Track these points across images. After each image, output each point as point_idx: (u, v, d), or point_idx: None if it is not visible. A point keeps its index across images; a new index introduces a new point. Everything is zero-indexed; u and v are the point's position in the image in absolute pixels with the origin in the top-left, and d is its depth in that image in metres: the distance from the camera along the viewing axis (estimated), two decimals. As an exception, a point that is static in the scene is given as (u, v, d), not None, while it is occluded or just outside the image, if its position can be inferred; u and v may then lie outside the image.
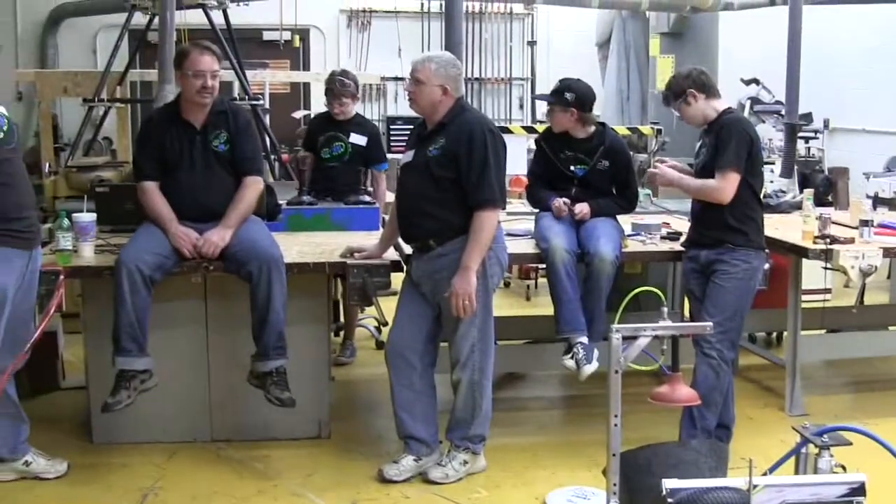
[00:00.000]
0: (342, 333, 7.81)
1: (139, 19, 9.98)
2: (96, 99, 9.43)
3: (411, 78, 5.24)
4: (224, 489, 5.27)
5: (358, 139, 7.38)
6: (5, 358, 4.86)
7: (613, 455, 3.71)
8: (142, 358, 5.24)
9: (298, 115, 12.79)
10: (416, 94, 5.23)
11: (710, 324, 4.12)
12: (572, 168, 6.06)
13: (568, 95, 5.94)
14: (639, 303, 4.25)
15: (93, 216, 5.66)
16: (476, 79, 14.56)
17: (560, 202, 5.98)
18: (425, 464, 5.38)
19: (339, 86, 7.33)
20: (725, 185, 5.35)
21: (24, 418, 5.31)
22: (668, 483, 3.31)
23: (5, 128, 4.79)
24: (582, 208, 5.95)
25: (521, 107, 14.96)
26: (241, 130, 5.54)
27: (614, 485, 3.72)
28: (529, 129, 10.25)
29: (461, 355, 5.25)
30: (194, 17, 9.44)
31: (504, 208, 5.27)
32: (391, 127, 13.08)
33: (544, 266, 6.03)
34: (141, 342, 5.22)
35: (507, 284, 10.02)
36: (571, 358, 5.73)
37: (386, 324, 5.52)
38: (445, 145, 5.13)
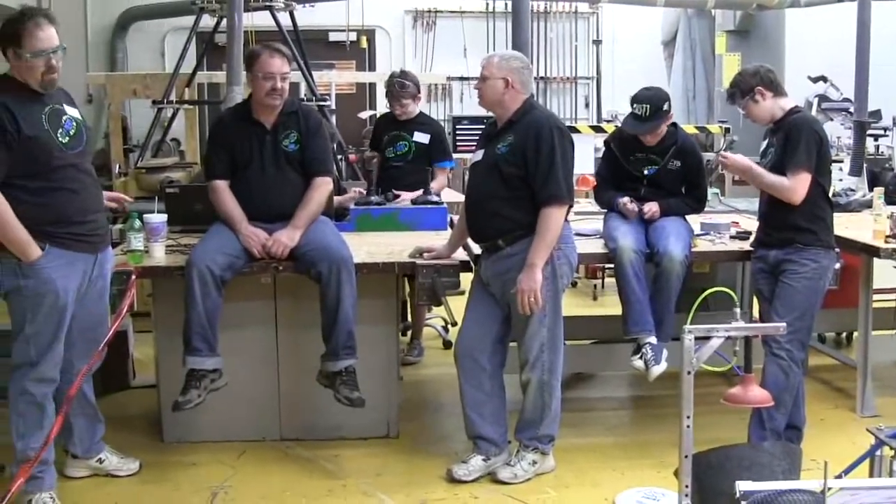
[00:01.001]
0: (409, 333, 7.82)
1: (207, 22, 10.06)
2: (165, 101, 9.51)
3: (480, 76, 5.27)
4: (293, 488, 5.30)
5: (421, 137, 7.42)
6: (81, 359, 4.93)
7: (686, 457, 3.68)
8: (212, 357, 5.29)
9: (364, 115, 12.84)
10: (481, 90, 5.27)
11: (784, 324, 4.07)
12: (644, 170, 6.04)
13: (665, 106, 5.93)
14: (707, 302, 4.22)
15: (163, 217, 5.70)
16: (541, 78, 14.53)
17: (625, 200, 5.97)
18: (494, 464, 5.38)
19: (398, 87, 7.40)
20: (797, 185, 5.29)
21: (100, 418, 5.39)
22: (742, 485, 3.29)
23: (72, 132, 4.79)
24: (651, 207, 5.92)
25: (587, 105, 14.90)
26: (312, 131, 5.57)
27: (686, 486, 3.69)
28: (597, 129, 10.23)
29: (530, 355, 5.23)
30: (261, 20, 9.48)
31: (571, 205, 5.25)
32: (457, 127, 13.10)
33: (611, 266, 6.00)
34: (211, 342, 5.26)
35: (573, 284, 9.95)
36: (640, 358, 5.71)
37: (455, 324, 5.52)
38: (513, 142, 5.13)
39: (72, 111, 4.88)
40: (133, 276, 5.20)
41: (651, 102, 5.93)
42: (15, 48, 4.61)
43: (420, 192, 7.04)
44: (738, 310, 3.83)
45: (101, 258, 5.01)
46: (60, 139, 4.72)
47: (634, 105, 5.99)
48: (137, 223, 5.53)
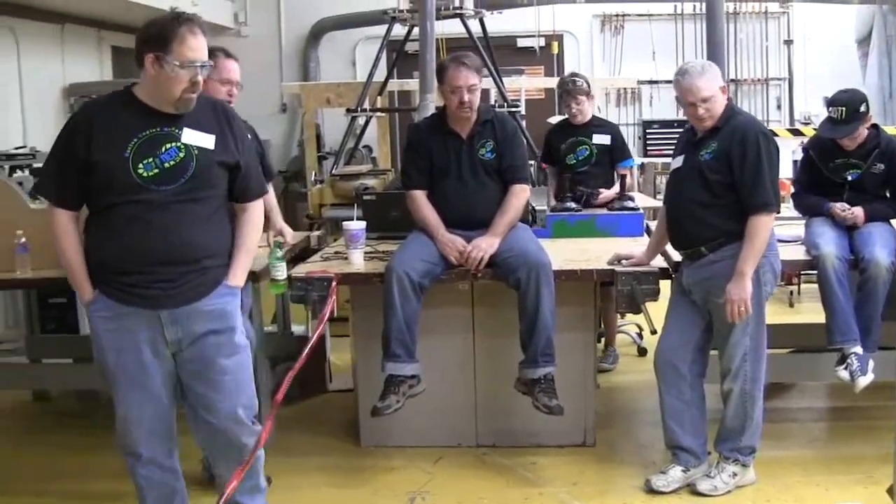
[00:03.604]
0: (603, 340, 7.77)
1: (398, 30, 10.15)
2: (358, 109, 9.64)
3: (700, 99, 5.04)
4: (490, 495, 5.31)
5: (601, 139, 7.43)
6: (215, 454, 4.45)
7: (903, 472, 3.57)
8: (410, 364, 5.32)
9: (554, 120, 12.83)
10: (711, 110, 5.06)
11: None
12: (847, 175, 5.84)
13: (863, 108, 5.72)
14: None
15: (362, 224, 5.76)
16: (732, 80, 14.27)
17: (839, 206, 5.79)
18: (693, 475, 5.29)
19: (572, 85, 7.40)
20: None
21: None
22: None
23: (169, 164, 4.01)
24: (856, 213, 5.74)
25: (779, 107, 14.58)
26: (508, 139, 5.57)
27: (903, 503, 3.58)
28: (794, 132, 10.00)
29: (733, 364, 5.13)
30: (452, 27, 9.54)
31: (779, 212, 5.14)
32: (647, 131, 13.02)
33: (809, 272, 5.84)
34: (410, 348, 5.29)
35: (768, 291, 9.78)
36: (845, 369, 5.52)
37: (655, 331, 5.45)
38: (718, 149, 5.04)
39: (193, 137, 4.07)
40: (334, 283, 5.26)
41: (847, 105, 5.73)
42: (159, 53, 3.91)
43: (614, 191, 7.04)
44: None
45: (179, 316, 4.13)
46: (140, 171, 3.97)
47: (830, 108, 5.80)
48: (279, 252, 5.14)
